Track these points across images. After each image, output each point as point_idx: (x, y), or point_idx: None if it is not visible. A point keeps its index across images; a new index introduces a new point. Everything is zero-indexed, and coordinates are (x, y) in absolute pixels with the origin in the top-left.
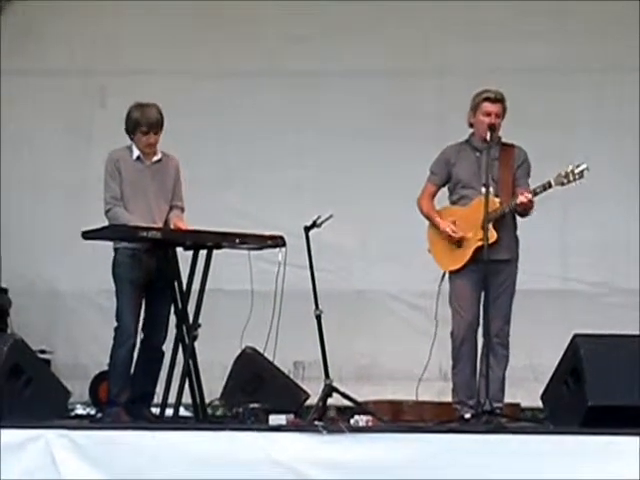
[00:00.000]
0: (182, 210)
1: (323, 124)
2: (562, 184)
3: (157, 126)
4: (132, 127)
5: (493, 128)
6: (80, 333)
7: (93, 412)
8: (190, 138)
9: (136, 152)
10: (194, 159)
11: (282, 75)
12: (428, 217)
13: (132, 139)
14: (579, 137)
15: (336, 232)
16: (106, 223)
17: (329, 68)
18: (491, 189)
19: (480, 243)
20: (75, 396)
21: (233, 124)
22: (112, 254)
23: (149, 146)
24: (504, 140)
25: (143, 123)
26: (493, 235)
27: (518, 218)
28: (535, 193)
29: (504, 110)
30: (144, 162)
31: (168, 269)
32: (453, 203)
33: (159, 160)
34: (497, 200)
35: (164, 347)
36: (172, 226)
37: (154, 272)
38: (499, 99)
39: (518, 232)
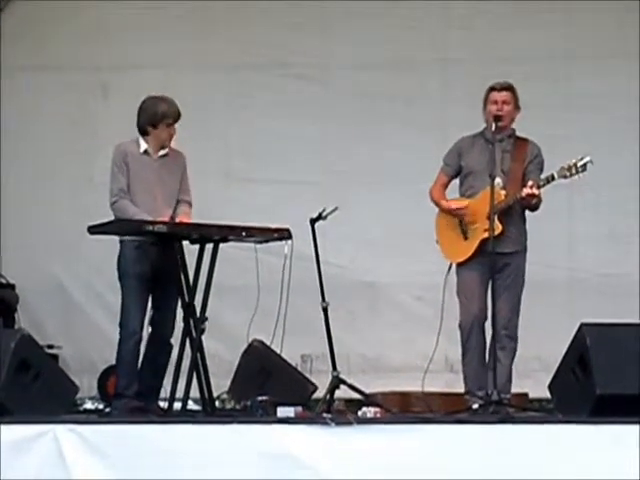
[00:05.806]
0: (190, 204)
1: (328, 116)
2: (565, 177)
3: (179, 118)
4: (158, 119)
5: (498, 118)
6: (88, 328)
7: (101, 407)
8: (194, 132)
9: (143, 146)
10: (198, 153)
11: (285, 68)
12: (437, 203)
13: (146, 133)
14: (584, 127)
15: (342, 224)
16: (111, 217)
17: (332, 60)
18: (500, 181)
19: (486, 235)
20: (83, 391)
21: (237, 117)
22: (119, 248)
23: (171, 138)
24: (518, 134)
25: (171, 115)
26: (499, 227)
27: (527, 211)
28: (538, 186)
29: (515, 99)
30: (151, 156)
31: (175, 263)
32: (462, 194)
33: (165, 155)
34: (503, 192)
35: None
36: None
37: (160, 265)
38: (505, 87)
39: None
